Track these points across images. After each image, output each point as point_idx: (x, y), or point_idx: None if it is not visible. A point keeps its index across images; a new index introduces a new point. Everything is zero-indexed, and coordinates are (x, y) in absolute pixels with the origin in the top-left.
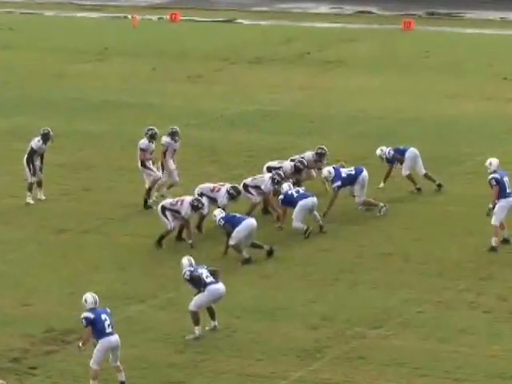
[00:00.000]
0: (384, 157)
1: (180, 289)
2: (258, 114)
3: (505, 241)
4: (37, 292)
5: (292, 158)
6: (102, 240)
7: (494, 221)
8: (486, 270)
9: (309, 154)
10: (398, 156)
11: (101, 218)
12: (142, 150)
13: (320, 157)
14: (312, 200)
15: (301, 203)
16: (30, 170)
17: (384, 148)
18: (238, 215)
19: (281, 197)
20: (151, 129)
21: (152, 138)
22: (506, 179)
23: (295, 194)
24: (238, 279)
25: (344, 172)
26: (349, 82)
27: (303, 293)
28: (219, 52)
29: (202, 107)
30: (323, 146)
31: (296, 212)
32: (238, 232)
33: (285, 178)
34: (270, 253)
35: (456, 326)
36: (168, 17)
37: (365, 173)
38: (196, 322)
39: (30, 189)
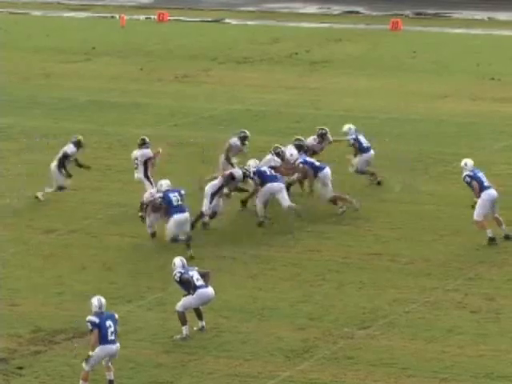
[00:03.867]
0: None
1: (167, 289)
2: (245, 114)
3: (507, 237)
4: (24, 292)
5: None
6: (89, 240)
7: (476, 215)
8: (473, 270)
9: (310, 139)
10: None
11: (88, 217)
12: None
13: (322, 137)
14: (279, 185)
15: (268, 185)
16: (62, 174)
17: (352, 127)
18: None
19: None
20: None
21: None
22: (480, 174)
23: (268, 173)
24: (226, 279)
25: (309, 159)
26: (336, 81)
27: (291, 293)
28: (207, 52)
29: (189, 107)
30: (324, 127)
31: (261, 193)
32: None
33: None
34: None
35: (444, 326)
36: (155, 17)
37: (327, 170)
38: (183, 322)
39: (60, 188)
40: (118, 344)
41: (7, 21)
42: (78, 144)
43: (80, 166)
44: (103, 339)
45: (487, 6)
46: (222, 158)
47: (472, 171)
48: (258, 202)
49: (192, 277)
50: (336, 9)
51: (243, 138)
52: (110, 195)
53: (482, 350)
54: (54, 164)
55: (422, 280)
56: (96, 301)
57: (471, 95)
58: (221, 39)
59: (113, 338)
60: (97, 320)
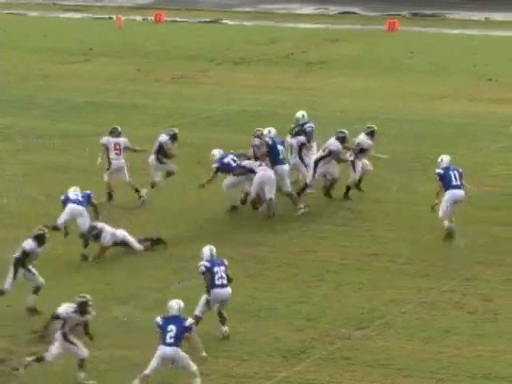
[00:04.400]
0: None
1: (163, 290)
2: (242, 115)
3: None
4: (21, 293)
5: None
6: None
7: (440, 214)
8: (470, 271)
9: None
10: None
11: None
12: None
13: (341, 141)
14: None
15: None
16: (164, 164)
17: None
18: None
19: (216, 164)
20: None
21: None
22: (454, 172)
23: (232, 164)
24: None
25: (232, 160)
26: (333, 82)
27: (288, 293)
28: (204, 52)
29: (186, 108)
30: (343, 130)
31: (229, 181)
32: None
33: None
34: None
35: (441, 326)
36: (152, 17)
37: (285, 167)
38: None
39: (152, 186)
40: (173, 348)
41: (4, 21)
42: (173, 137)
43: (169, 157)
44: (162, 340)
45: (484, 6)
46: (152, 157)
47: (444, 168)
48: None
49: (215, 273)
50: (333, 9)
51: (173, 136)
52: (107, 196)
53: (479, 351)
54: (151, 158)
55: (419, 280)
56: (175, 304)
57: (468, 96)
58: (218, 40)
59: (170, 341)
60: (160, 321)
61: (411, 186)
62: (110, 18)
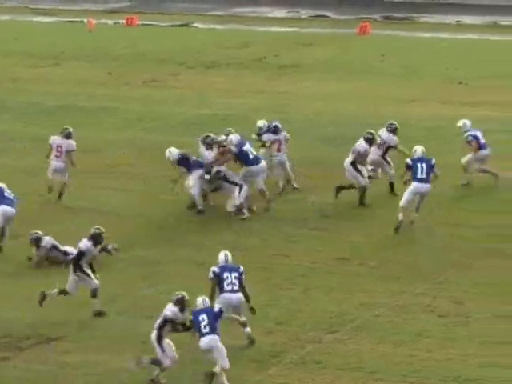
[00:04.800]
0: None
1: (137, 294)
2: (214, 119)
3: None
4: None
5: None
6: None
7: (401, 203)
8: (442, 274)
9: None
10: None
11: (55, 222)
12: None
13: (368, 142)
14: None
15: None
16: (358, 173)
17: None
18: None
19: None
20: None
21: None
22: (422, 165)
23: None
24: (194, 283)
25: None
26: (306, 86)
27: (258, 297)
28: (175, 56)
29: (157, 111)
30: (371, 131)
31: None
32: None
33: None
34: None
35: (412, 329)
36: (124, 21)
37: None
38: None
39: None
40: (211, 336)
41: None
42: (370, 141)
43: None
44: (198, 333)
45: (455, 9)
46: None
47: (415, 159)
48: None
49: (225, 279)
50: (304, 13)
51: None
52: (83, 200)
53: (450, 354)
54: (347, 160)
55: (390, 284)
56: (200, 301)
57: (439, 99)
58: (189, 43)
59: (207, 330)
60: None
61: (384, 189)
62: (82, 21)
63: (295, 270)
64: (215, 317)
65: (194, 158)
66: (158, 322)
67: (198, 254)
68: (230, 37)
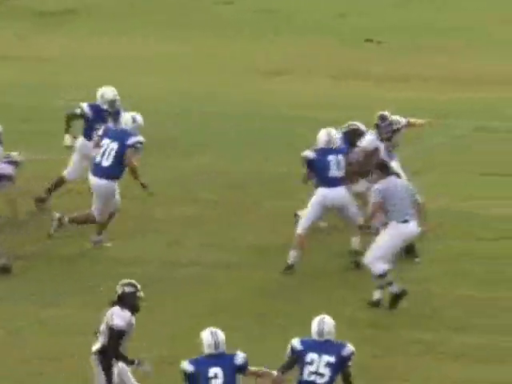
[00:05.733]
0: None
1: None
2: None
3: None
4: None
5: None
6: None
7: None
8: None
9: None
10: None
11: None
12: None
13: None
14: None
15: None
16: None
17: None
18: None
19: None
20: None
21: None
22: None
23: None
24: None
25: None
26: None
27: None
28: None
29: None
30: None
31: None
32: None
33: None
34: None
35: None
36: None
37: None
38: None
39: None
40: None
41: None
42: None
43: None
44: None
45: None
46: None
47: (317, 151)
48: None
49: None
50: None
51: None
52: None
53: None
54: None
55: None
56: (210, 336)
57: (328, 71)
58: None
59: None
60: (190, 368)
61: None
62: None
63: None
64: (231, 372)
65: None
66: (101, 339)
67: None
68: None
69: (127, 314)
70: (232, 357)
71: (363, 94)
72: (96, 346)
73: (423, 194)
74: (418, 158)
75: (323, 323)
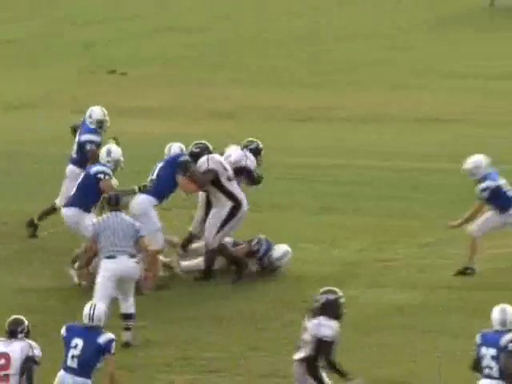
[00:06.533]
0: None
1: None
2: None
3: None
4: None
5: None
6: None
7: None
8: None
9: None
10: None
11: None
12: None
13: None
14: None
15: None
16: None
17: None
18: None
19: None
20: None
21: None
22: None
23: None
24: None
25: None
26: None
27: None
28: None
29: None
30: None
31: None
32: None
33: None
34: None
35: None
36: None
37: None
38: None
39: None
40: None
41: None
42: None
43: None
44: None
45: None
46: None
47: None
48: None
49: None
50: None
51: None
52: None
53: None
54: None
55: None
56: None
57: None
58: None
59: (74, 366)
60: (64, 333)
61: None
62: None
63: None
64: (94, 346)
65: None
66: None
67: None
68: None
69: (334, 323)
70: (98, 334)
71: None
72: (300, 355)
73: None
74: None
75: (505, 313)
